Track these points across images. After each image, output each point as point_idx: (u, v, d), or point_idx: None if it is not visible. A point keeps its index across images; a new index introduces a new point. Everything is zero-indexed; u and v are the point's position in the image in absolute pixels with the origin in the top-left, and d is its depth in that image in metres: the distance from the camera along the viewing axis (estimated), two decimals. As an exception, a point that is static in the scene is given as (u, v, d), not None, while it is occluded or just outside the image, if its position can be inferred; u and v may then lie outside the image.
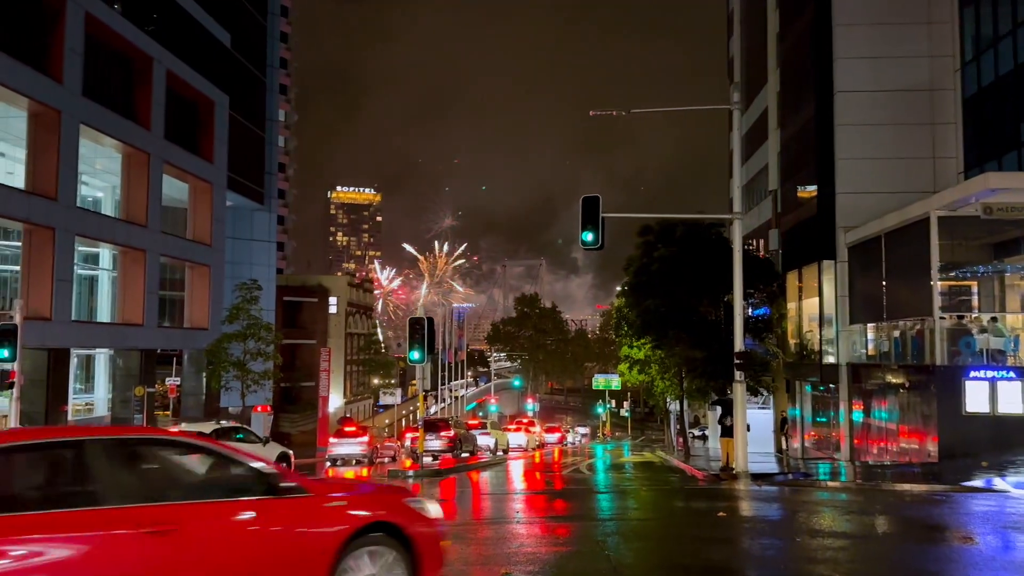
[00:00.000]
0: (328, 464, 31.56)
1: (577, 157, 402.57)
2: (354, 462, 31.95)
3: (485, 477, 23.27)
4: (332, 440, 32.90)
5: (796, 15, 33.42)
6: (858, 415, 27.41)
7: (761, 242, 39.80)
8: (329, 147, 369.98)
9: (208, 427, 20.00)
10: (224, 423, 22.12)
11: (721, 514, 13.11)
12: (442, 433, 31.53)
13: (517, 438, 46.09)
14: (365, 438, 32.59)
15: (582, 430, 77.79)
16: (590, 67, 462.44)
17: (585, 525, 12.07)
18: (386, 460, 33.42)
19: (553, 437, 59.23)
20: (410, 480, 21.40)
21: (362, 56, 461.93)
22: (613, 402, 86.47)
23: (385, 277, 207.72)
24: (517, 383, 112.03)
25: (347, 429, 34.08)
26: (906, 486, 17.06)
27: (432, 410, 73.81)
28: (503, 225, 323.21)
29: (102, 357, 37.72)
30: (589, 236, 17.59)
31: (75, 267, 33.67)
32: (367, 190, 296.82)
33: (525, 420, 61.54)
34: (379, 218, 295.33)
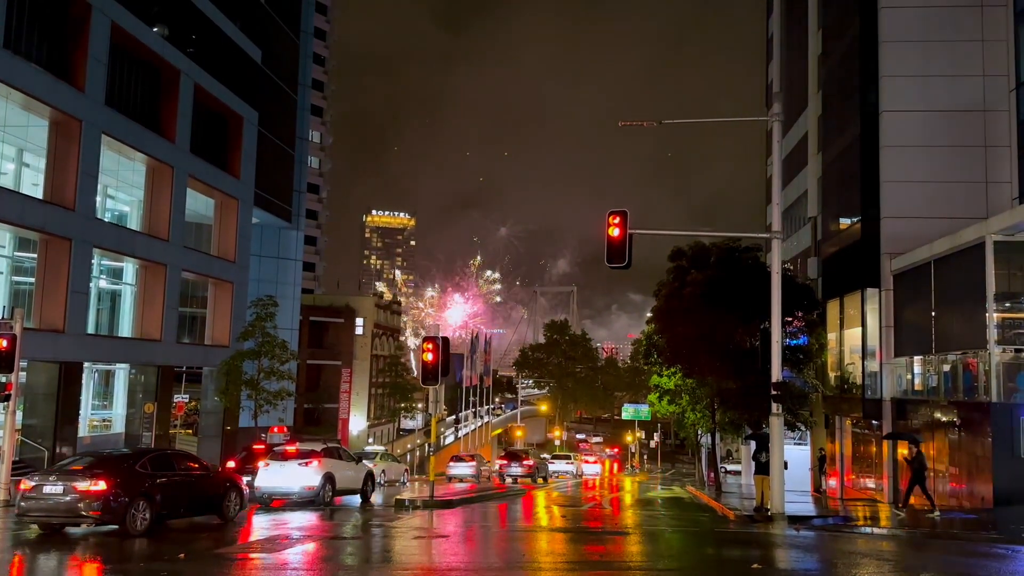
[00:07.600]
0: (447, 480, 38.02)
1: (654, 187, 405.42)
2: (465, 480, 38.42)
3: (511, 507, 21.92)
4: (450, 464, 40.26)
5: (840, 34, 32.11)
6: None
7: (798, 271, 38.21)
8: (415, 171, 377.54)
9: (318, 446, 22.33)
10: (331, 444, 23.95)
11: (755, 566, 11.70)
12: (524, 462, 40.19)
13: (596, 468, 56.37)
14: (474, 462, 40.22)
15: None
16: (675, 101, 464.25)
17: None
18: (485, 479, 40.54)
19: (594, 468, 60.07)
20: (408, 512, 20.01)
21: (453, 84, 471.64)
22: (643, 433, 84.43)
23: (428, 296, 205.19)
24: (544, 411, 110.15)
25: (463, 455, 42.87)
26: (960, 536, 15.44)
27: (453, 436, 72.41)
28: (570, 251, 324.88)
29: (121, 373, 37.08)
30: (614, 252, 16.35)
31: (97, 280, 33.19)
32: (401, 214, 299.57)
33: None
34: (412, 242, 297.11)
